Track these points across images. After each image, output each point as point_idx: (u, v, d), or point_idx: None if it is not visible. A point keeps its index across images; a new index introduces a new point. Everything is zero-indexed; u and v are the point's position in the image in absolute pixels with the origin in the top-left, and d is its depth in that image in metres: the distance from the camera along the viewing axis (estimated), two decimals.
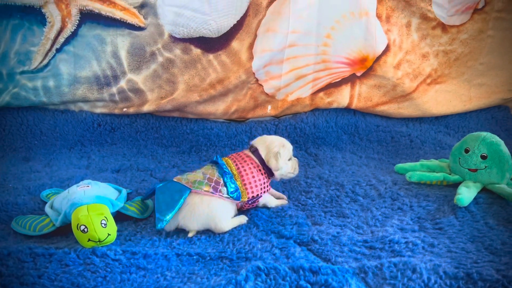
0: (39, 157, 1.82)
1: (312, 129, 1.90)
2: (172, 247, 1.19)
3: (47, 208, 1.27)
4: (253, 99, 1.92)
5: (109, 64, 1.86)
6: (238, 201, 1.31)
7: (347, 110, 1.98)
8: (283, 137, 1.90)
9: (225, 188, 1.29)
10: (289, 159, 1.43)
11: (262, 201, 1.38)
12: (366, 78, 1.93)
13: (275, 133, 1.90)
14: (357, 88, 1.93)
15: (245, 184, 1.32)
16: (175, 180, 1.28)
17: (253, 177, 1.33)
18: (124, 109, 1.90)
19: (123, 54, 1.85)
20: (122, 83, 1.88)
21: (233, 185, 1.30)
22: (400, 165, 1.66)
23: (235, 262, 1.13)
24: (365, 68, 1.90)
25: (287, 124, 1.92)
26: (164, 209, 1.20)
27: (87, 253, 1.10)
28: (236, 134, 1.91)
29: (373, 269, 1.07)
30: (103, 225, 1.14)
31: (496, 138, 1.47)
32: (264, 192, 1.36)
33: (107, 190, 1.33)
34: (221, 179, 1.30)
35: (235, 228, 1.30)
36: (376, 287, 1.01)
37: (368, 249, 1.18)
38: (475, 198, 1.40)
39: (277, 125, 1.93)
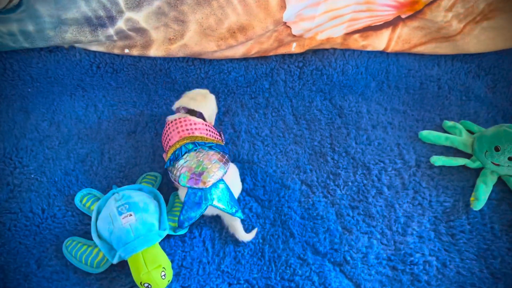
0: (39, 108, 1.62)
1: (340, 76, 1.72)
2: (222, 270, 1.33)
3: (96, 240, 1.29)
4: (278, 41, 1.63)
5: (100, 3, 1.43)
6: None
7: (380, 52, 1.75)
8: (308, 85, 1.77)
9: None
10: None
11: None
12: (411, 20, 1.63)
13: (299, 79, 1.72)
14: (398, 31, 1.66)
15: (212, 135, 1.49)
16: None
17: None
18: (126, 50, 1.60)
19: None
20: (120, 24, 1.50)
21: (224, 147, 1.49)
22: (425, 133, 1.66)
23: None
24: (414, 11, 1.58)
25: (313, 69, 1.72)
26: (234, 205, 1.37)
27: None
28: (256, 79, 1.71)
29: None
30: (163, 277, 1.22)
31: None
32: None
33: (148, 209, 1.32)
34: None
35: (272, 236, 1.42)
36: None
37: (391, 270, 1.36)
38: None
39: (301, 68, 1.72)
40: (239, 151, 1.59)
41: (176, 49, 1.58)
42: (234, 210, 1.36)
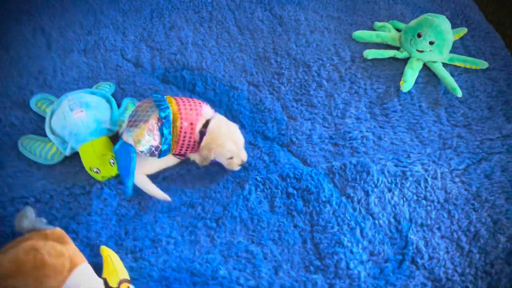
0: None
1: None
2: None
3: (50, 135, 1.36)
4: None
5: None
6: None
7: None
8: None
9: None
10: (230, 158, 1.34)
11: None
12: None
13: None
14: None
15: (177, 141, 1.31)
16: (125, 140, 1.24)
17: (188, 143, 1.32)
18: None
19: None
20: None
21: (166, 146, 1.29)
22: (358, 33, 1.80)
23: (236, 172, 1.43)
24: None
25: None
26: (125, 175, 1.25)
27: (115, 184, 1.33)
28: None
29: (338, 170, 1.44)
30: (111, 164, 1.31)
31: (445, 25, 1.65)
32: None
33: (99, 107, 1.39)
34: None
35: None
36: (342, 188, 1.41)
37: (333, 146, 1.52)
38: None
39: None
40: (187, 60, 1.68)
41: None
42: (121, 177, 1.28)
